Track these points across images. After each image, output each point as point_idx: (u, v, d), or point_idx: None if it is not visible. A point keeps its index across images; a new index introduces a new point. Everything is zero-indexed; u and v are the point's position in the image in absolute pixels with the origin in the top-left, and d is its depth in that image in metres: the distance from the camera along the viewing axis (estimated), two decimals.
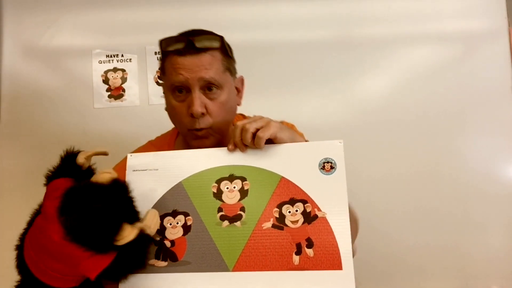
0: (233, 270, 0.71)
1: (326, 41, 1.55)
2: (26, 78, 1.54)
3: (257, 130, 0.75)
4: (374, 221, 1.45)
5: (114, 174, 0.71)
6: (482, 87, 1.51)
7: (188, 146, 0.93)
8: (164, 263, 0.74)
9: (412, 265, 1.47)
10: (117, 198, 0.67)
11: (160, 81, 0.93)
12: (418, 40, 1.55)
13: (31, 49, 1.55)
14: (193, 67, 0.85)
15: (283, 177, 0.75)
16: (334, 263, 0.69)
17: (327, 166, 0.75)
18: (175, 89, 0.88)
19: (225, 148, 0.79)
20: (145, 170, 0.80)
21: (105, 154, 0.80)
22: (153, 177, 0.79)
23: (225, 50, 0.91)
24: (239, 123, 0.77)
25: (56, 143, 1.51)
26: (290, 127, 0.98)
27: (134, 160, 0.81)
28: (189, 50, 0.85)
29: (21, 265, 0.71)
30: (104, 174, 0.70)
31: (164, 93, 0.95)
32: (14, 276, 0.74)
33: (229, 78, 0.92)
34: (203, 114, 0.86)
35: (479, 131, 1.50)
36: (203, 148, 0.85)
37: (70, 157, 0.76)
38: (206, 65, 0.85)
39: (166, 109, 0.95)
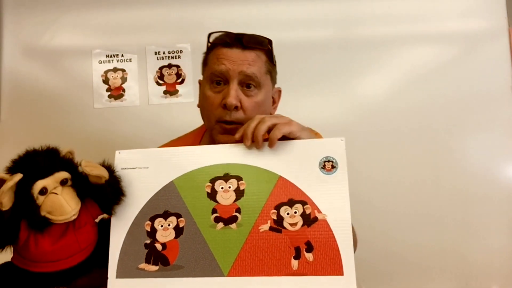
0: (228, 275, 0.68)
1: (326, 41, 1.55)
2: (26, 78, 1.54)
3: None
4: (374, 221, 1.45)
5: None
6: (482, 87, 1.51)
7: (213, 142, 0.90)
8: (155, 267, 0.70)
9: (412, 265, 1.47)
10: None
11: (200, 78, 0.96)
12: (418, 40, 1.54)
13: (31, 49, 1.55)
14: (237, 59, 0.86)
15: (281, 177, 0.72)
16: (335, 268, 0.66)
17: (328, 166, 0.71)
18: (214, 80, 0.88)
19: (219, 145, 0.76)
20: (135, 168, 0.76)
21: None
22: (143, 176, 0.75)
23: (271, 55, 0.92)
24: (258, 115, 0.75)
25: (56, 143, 1.51)
26: (314, 134, 0.96)
27: (123, 157, 0.77)
28: (236, 44, 0.87)
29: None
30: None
31: (200, 88, 0.95)
32: None
33: (269, 82, 0.92)
34: (236, 107, 0.85)
35: (479, 131, 1.50)
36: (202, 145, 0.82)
37: None
38: (250, 61, 0.86)
39: (198, 105, 0.95)
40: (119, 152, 0.77)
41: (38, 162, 0.67)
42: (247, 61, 0.86)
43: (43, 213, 0.65)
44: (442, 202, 1.47)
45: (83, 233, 0.70)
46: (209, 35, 0.91)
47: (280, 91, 1.00)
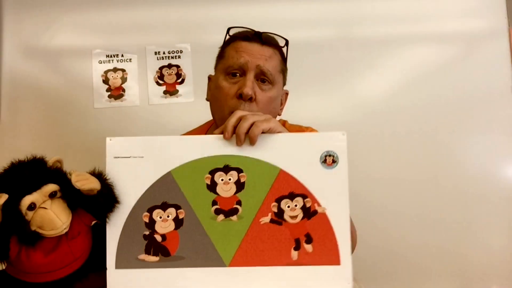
0: (230, 265, 0.70)
1: (327, 41, 1.55)
2: (26, 78, 1.54)
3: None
4: (374, 220, 1.45)
5: None
6: (482, 87, 1.51)
7: None
8: (155, 258, 0.71)
9: (412, 265, 1.47)
10: None
11: (213, 72, 0.98)
12: (418, 40, 1.54)
13: (31, 49, 1.55)
14: (255, 53, 0.89)
15: (282, 170, 0.72)
16: (332, 258, 0.70)
17: (329, 160, 0.71)
18: (230, 73, 0.90)
19: (218, 135, 0.74)
20: (129, 157, 0.72)
21: None
22: (138, 165, 0.72)
23: (284, 56, 0.96)
24: (238, 111, 0.75)
25: (56, 143, 1.51)
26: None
27: (115, 145, 0.73)
28: (255, 39, 0.90)
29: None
30: None
31: (210, 82, 0.97)
32: None
33: (281, 81, 0.96)
34: (251, 99, 0.86)
35: (479, 131, 1.50)
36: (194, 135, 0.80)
37: None
38: (267, 56, 0.90)
39: (207, 98, 0.96)
40: (110, 139, 0.73)
41: (24, 177, 0.65)
42: (265, 56, 0.89)
43: (33, 227, 0.64)
44: (442, 202, 1.47)
45: (77, 243, 0.69)
46: (228, 29, 0.93)
47: (287, 93, 1.01)
